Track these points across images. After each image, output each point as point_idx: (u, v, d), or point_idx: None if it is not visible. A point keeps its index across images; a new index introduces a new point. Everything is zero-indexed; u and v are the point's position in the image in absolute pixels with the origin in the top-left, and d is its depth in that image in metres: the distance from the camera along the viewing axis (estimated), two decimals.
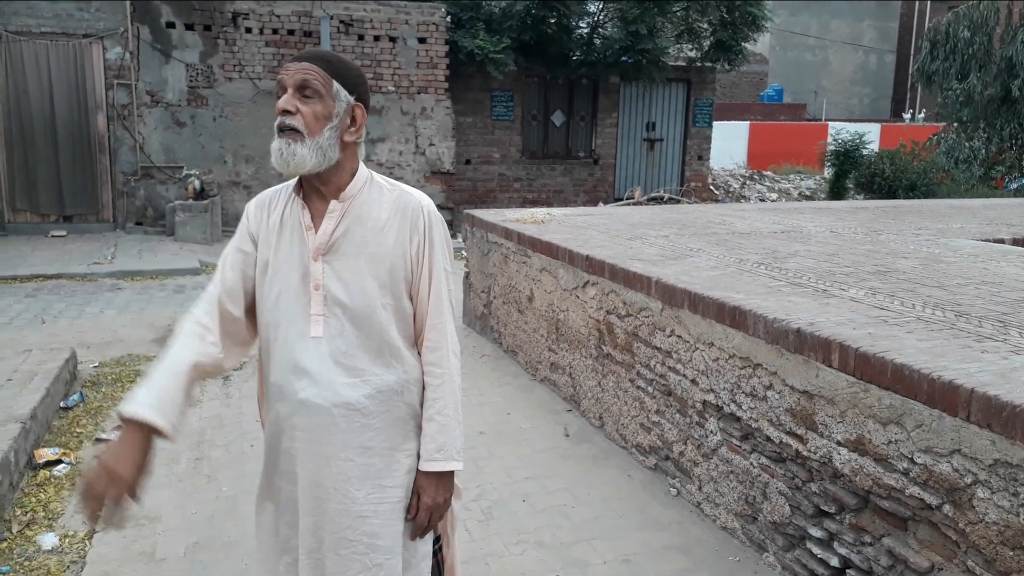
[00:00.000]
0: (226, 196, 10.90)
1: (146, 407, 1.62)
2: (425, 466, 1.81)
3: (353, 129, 1.75)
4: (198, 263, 8.75)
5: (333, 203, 1.76)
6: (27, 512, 3.32)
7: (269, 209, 1.84)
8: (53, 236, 9.99)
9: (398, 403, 1.80)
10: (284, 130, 1.68)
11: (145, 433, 1.62)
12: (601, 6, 13.48)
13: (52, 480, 3.63)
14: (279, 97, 1.70)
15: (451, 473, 1.84)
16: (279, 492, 1.85)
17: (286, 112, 1.68)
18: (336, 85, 1.71)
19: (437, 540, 1.94)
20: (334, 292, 1.74)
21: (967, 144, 15.05)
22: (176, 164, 10.64)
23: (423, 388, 1.84)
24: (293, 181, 1.81)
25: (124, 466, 1.58)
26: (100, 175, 10.41)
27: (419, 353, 1.84)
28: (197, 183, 10.28)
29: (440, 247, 1.82)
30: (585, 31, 13.44)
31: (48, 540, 3.10)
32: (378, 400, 1.76)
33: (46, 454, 3.80)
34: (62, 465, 3.75)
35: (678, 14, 13.19)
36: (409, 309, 1.81)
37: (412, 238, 1.78)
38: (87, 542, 3.12)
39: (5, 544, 3.07)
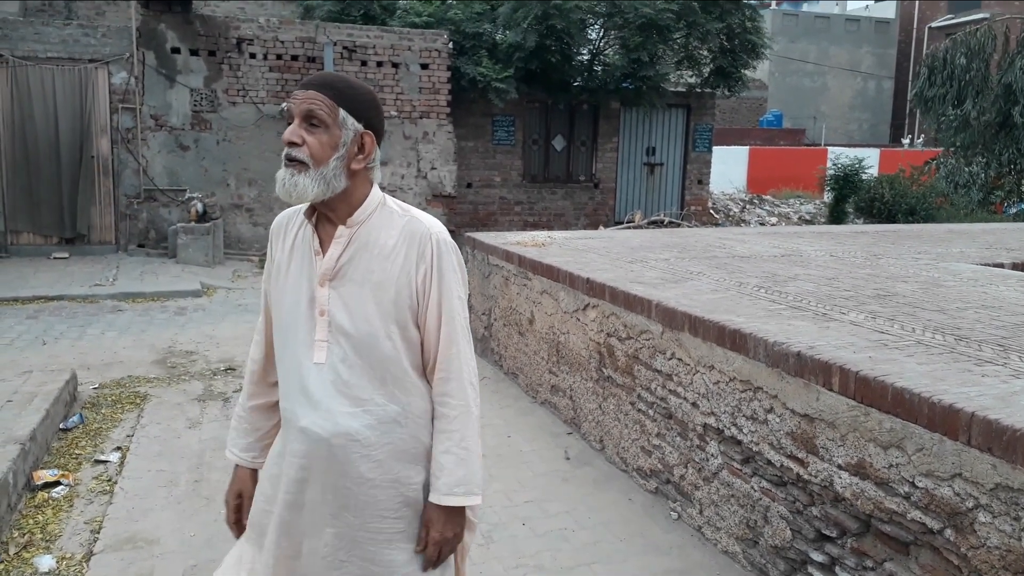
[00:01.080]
0: (228, 219, 10.95)
1: (231, 450, 2.05)
2: (442, 500, 1.74)
3: (361, 157, 1.72)
4: (200, 285, 8.77)
5: (340, 228, 1.74)
6: (24, 534, 3.31)
7: (286, 231, 1.84)
8: (55, 258, 10.02)
9: (401, 434, 1.75)
10: (290, 161, 1.69)
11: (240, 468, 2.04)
12: (602, 33, 13.63)
13: (50, 502, 3.61)
14: (288, 124, 1.72)
15: (463, 508, 1.79)
16: (267, 516, 1.83)
17: (292, 144, 1.68)
18: (343, 113, 1.69)
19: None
20: (338, 319, 1.72)
21: (966, 169, 15.15)
22: (179, 187, 10.70)
23: (431, 419, 1.79)
24: (305, 204, 1.79)
25: (228, 494, 2.05)
26: (103, 198, 10.48)
27: (430, 383, 1.80)
28: (200, 206, 10.33)
29: (452, 275, 1.76)
30: (586, 58, 13.58)
31: (45, 562, 3.09)
32: (379, 431, 1.73)
33: (45, 476, 3.79)
34: (60, 487, 3.74)
35: (679, 41, 13.33)
36: (416, 338, 1.76)
37: (419, 266, 1.73)
38: (84, 564, 3.10)
39: (2, 566, 3.05)
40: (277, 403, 1.90)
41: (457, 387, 1.77)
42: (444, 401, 1.77)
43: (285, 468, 1.79)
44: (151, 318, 7.45)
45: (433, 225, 1.78)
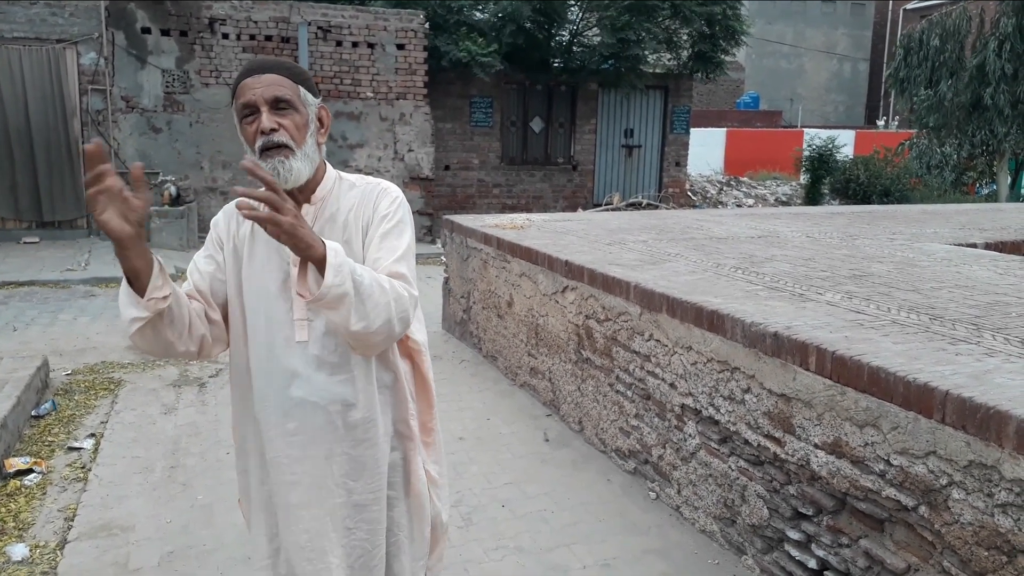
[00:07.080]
0: (202, 202, 10.80)
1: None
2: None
3: (323, 131, 1.76)
4: (174, 269, 8.64)
5: (305, 207, 1.73)
6: None
7: (239, 219, 1.79)
8: (25, 243, 9.84)
9: (385, 392, 1.79)
10: (271, 148, 1.64)
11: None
12: (581, 15, 13.56)
13: (23, 490, 3.56)
14: (246, 116, 1.66)
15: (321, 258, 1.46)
16: (266, 508, 1.82)
17: (272, 131, 1.63)
18: (302, 91, 1.70)
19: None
20: None
21: (939, 150, 15.27)
22: (152, 170, 10.52)
23: (404, 378, 1.84)
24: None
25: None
26: (75, 181, 10.28)
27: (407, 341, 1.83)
28: (173, 189, 10.18)
29: (406, 222, 1.76)
30: (565, 38, 13.51)
31: (18, 551, 3.04)
32: (368, 392, 1.76)
33: (17, 463, 3.73)
34: (33, 475, 3.68)
35: (660, 23, 13.29)
36: None
37: (375, 213, 1.75)
38: (58, 553, 3.06)
39: None
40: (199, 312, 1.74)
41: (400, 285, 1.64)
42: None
43: (271, 451, 1.76)
44: None
45: (388, 184, 1.83)
